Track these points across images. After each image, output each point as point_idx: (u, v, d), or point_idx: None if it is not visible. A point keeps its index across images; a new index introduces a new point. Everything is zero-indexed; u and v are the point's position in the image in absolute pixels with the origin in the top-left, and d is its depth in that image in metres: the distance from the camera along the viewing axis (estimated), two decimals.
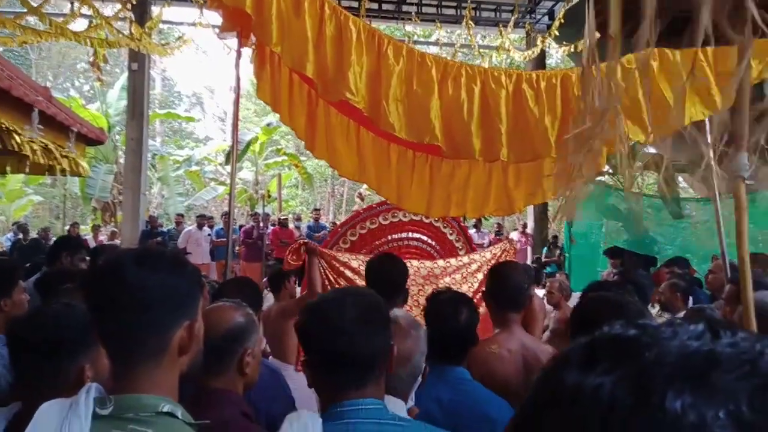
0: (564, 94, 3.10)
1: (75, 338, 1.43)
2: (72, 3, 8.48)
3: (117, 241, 10.82)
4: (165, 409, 0.99)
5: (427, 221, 4.55)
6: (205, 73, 59.46)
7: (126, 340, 1.02)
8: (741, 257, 1.49)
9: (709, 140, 3.09)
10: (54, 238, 11.73)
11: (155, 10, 10.46)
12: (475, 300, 2.45)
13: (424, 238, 4.65)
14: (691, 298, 4.07)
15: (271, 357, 3.33)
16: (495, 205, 3.73)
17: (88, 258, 3.40)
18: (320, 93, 2.94)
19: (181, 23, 11.84)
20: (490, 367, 2.03)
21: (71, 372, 1.41)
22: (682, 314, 3.63)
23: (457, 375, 1.86)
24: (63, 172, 3.87)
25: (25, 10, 6.72)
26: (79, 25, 9.13)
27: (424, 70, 2.97)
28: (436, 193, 3.61)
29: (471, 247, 4.88)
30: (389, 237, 4.52)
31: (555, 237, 11.35)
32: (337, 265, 3.76)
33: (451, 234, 4.71)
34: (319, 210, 13.22)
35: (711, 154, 3.06)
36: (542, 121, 3.05)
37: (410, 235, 4.61)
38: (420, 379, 1.63)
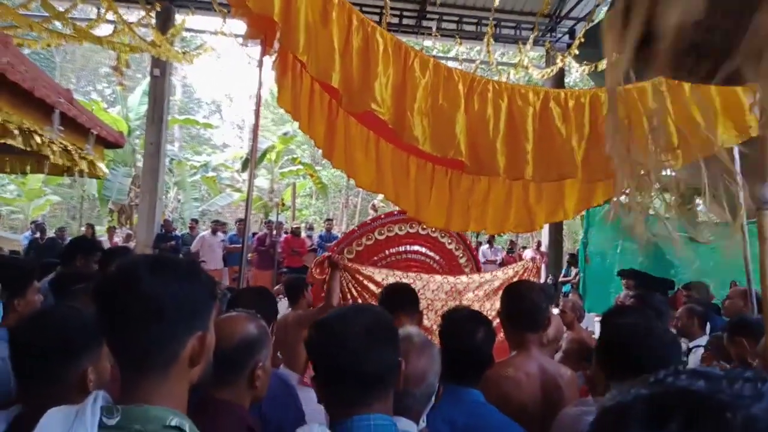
0: (592, 114, 3.04)
1: (78, 341, 1.43)
2: (98, 8, 8.63)
3: (131, 244, 10.89)
4: (173, 423, 0.96)
5: (423, 233, 4.50)
6: (224, 81, 60.13)
7: (136, 349, 0.99)
8: (765, 292, 1.42)
9: (737, 166, 3.01)
10: (69, 238, 11.86)
11: (179, 18, 10.61)
12: (498, 319, 2.39)
13: (423, 250, 4.60)
14: (708, 324, 3.96)
15: (282, 365, 3.30)
16: (515, 221, 3.68)
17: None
18: (344, 104, 2.91)
19: (203, 31, 11.98)
20: (504, 391, 1.95)
21: (73, 375, 1.40)
22: (701, 339, 3.53)
23: (471, 397, 1.80)
24: (81, 173, 3.90)
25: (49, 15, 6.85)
26: (104, 30, 9.29)
27: (450, 84, 2.95)
28: (456, 207, 3.58)
29: (473, 255, 4.83)
30: (387, 251, 4.47)
31: (572, 255, 11.16)
32: (361, 278, 3.77)
33: (449, 243, 4.66)
34: (331, 220, 13.22)
35: (739, 179, 2.98)
36: (569, 141, 3.00)
37: (408, 248, 4.57)
38: (433, 399, 1.58)
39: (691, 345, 3.28)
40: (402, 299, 2.64)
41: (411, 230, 4.44)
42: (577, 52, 9.68)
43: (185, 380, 1.03)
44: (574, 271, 10.48)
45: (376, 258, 4.42)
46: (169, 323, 0.99)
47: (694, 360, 3.15)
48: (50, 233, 12.37)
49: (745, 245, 3.22)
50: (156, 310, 0.97)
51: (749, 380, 0.33)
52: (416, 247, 4.57)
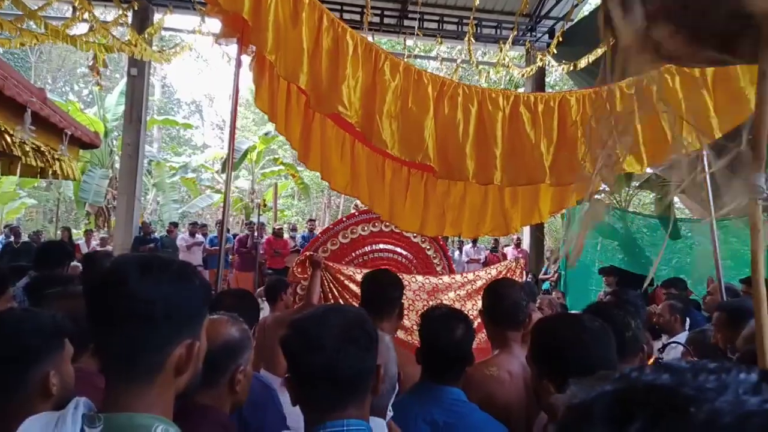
0: (561, 118, 3.08)
1: (37, 345, 1.38)
2: (74, 8, 8.45)
3: (109, 247, 10.70)
4: (159, 430, 0.93)
5: (387, 230, 4.46)
6: (204, 81, 59.42)
7: (122, 354, 0.96)
8: (756, 282, 1.41)
9: (705, 160, 3.06)
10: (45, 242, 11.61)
11: (157, 17, 10.47)
12: (480, 318, 2.38)
13: (390, 247, 4.58)
14: (688, 320, 4.01)
15: (262, 369, 3.26)
16: (491, 225, 3.67)
17: (72, 263, 3.33)
18: (312, 105, 2.90)
19: (182, 30, 11.83)
20: (489, 390, 1.94)
21: (35, 380, 1.35)
22: (681, 336, 3.58)
23: (452, 396, 1.79)
24: (55, 175, 3.80)
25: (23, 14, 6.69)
26: (81, 28, 9.11)
27: (420, 88, 2.95)
28: (431, 212, 3.55)
29: (440, 245, 4.81)
30: (353, 254, 4.44)
31: (552, 252, 11.26)
32: (342, 278, 3.75)
33: (415, 237, 4.63)
34: (314, 221, 13.16)
35: (707, 176, 3.02)
36: (538, 145, 3.04)
37: (374, 247, 4.54)
38: (397, 387, 1.56)
39: (667, 342, 3.33)
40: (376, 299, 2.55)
41: (374, 229, 4.41)
42: (555, 51, 9.77)
43: (171, 388, 1.00)
44: (553, 268, 10.58)
45: (343, 262, 4.39)
46: (157, 328, 0.95)
47: (673, 356, 3.20)
48: (25, 237, 12.11)
49: (714, 240, 3.29)
50: (144, 313, 0.94)
51: (713, 372, 0.32)
52: (382, 245, 4.55)
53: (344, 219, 4.48)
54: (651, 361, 2.74)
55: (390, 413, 1.53)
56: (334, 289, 3.71)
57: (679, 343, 3.10)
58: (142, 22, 10.14)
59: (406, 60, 12.06)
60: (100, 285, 0.98)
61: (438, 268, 4.66)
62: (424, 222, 3.56)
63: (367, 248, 4.48)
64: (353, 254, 4.42)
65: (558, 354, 1.48)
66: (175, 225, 11.93)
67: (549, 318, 1.82)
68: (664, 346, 3.21)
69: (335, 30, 2.80)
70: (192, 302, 1.01)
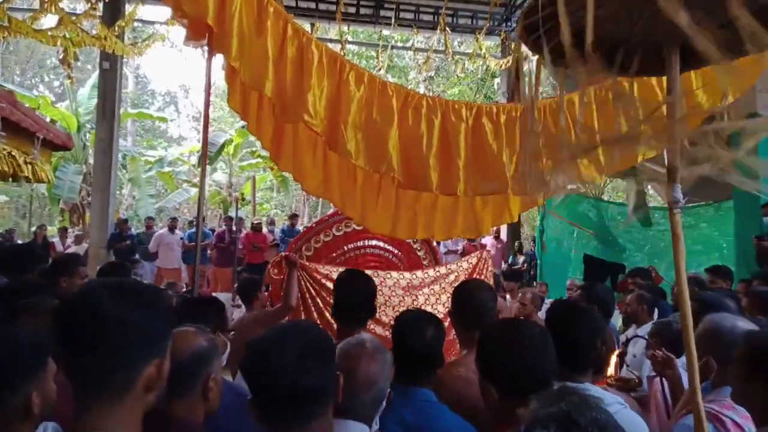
0: (523, 127, 3.15)
1: (19, 366, 1.38)
2: (41, 1, 8.25)
3: (84, 244, 10.55)
4: None
5: None
6: (180, 71, 58.21)
7: (94, 376, 1.00)
8: (680, 290, 1.50)
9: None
10: (18, 240, 11.39)
11: (129, 8, 10.26)
12: None
13: (381, 244, 4.61)
14: (656, 309, 4.12)
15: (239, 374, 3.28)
16: (463, 226, 3.71)
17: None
18: (278, 113, 2.91)
19: (154, 22, 11.64)
20: (457, 391, 1.99)
21: (17, 401, 1.35)
22: (648, 326, 3.70)
23: (422, 397, 1.84)
24: (27, 179, 3.76)
25: None
26: (51, 20, 8.89)
27: (384, 99, 2.98)
28: (402, 214, 3.55)
29: (430, 246, 4.87)
30: (345, 248, 4.47)
31: (520, 244, 11.47)
32: (319, 277, 3.75)
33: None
34: (296, 215, 13.09)
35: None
36: (500, 156, 3.11)
37: (367, 243, 4.56)
38: (384, 403, 1.62)
39: (630, 335, 3.43)
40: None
41: None
42: None
43: (140, 406, 1.05)
44: (521, 259, 10.79)
45: (334, 254, 4.40)
46: (130, 350, 1.01)
47: (636, 350, 3.31)
48: None
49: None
50: (119, 337, 0.99)
51: None
52: (374, 242, 4.57)
53: (340, 212, 4.50)
54: (615, 354, 2.84)
55: (376, 426, 1.58)
56: (311, 288, 3.72)
57: (642, 337, 3.21)
58: (113, 14, 9.93)
59: (382, 50, 11.96)
60: (74, 309, 1.02)
61: (425, 262, 4.72)
62: (396, 225, 3.57)
63: (360, 243, 4.51)
64: (345, 248, 4.45)
65: (498, 358, 1.55)
66: (152, 219, 11.78)
67: (493, 323, 1.88)
68: (628, 340, 3.32)
69: (299, 40, 2.81)
70: (162, 324, 1.08)
